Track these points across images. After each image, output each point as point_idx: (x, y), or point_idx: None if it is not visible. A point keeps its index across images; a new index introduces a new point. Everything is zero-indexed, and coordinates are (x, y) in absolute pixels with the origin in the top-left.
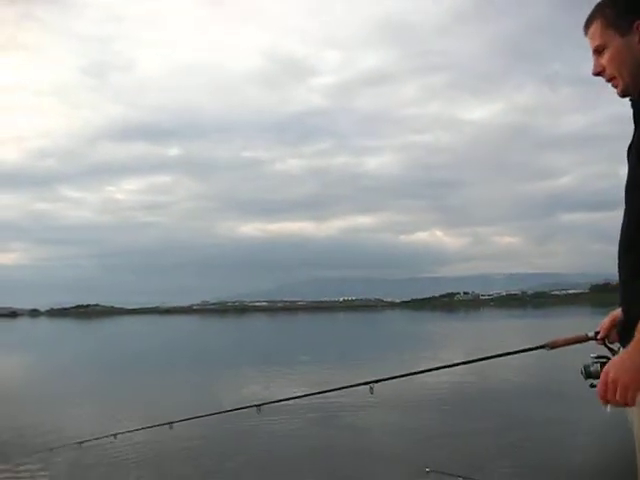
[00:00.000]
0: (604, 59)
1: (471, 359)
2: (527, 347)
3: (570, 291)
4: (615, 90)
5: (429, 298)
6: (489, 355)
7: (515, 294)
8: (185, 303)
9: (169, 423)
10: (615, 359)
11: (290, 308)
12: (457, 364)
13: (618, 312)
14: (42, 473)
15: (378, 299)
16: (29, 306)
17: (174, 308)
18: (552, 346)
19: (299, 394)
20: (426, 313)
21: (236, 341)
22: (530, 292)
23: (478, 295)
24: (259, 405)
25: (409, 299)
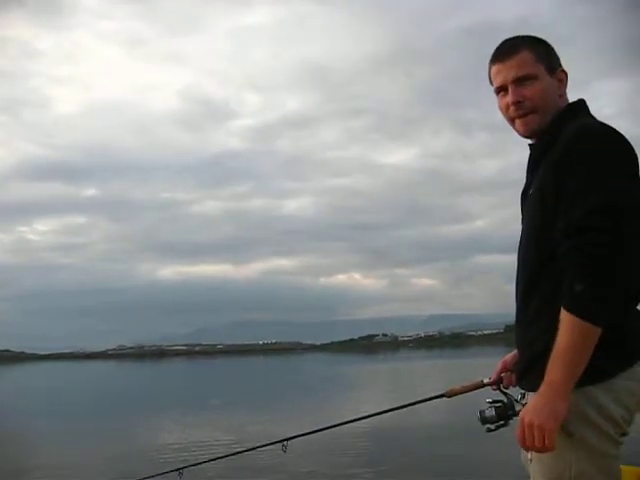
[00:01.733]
0: (529, 90)
1: (376, 412)
2: (427, 397)
3: (486, 331)
4: (517, 130)
5: (349, 340)
6: (392, 407)
7: (433, 335)
8: (100, 347)
9: None
10: (529, 404)
11: (209, 352)
12: (362, 418)
13: (509, 357)
14: None
15: (297, 342)
16: None
17: (89, 353)
18: (450, 395)
19: (214, 456)
20: (346, 355)
21: (148, 388)
22: (448, 333)
23: (397, 337)
24: (180, 469)
25: (329, 342)
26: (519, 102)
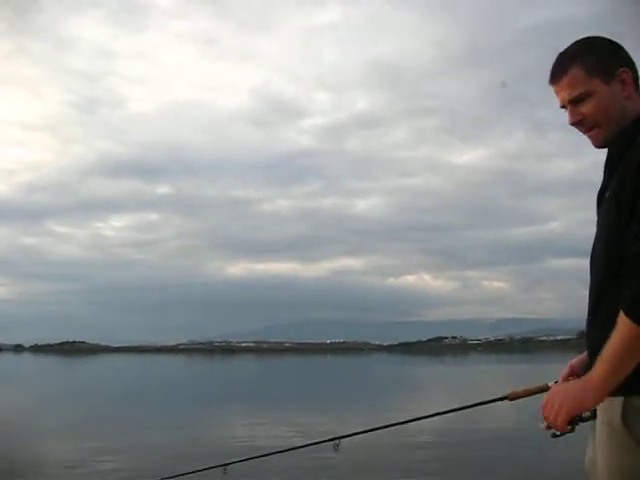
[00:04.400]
0: (586, 107)
1: (435, 412)
2: (488, 399)
3: (558, 337)
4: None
5: (416, 342)
6: (453, 408)
7: (503, 339)
8: (171, 342)
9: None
10: (565, 383)
11: (277, 350)
12: (421, 418)
13: (575, 361)
14: None
15: (365, 342)
16: (13, 341)
17: (160, 347)
18: (512, 397)
19: (264, 452)
20: (413, 357)
21: (216, 383)
22: (518, 337)
23: (466, 340)
24: (226, 465)
25: (396, 342)
26: (579, 121)
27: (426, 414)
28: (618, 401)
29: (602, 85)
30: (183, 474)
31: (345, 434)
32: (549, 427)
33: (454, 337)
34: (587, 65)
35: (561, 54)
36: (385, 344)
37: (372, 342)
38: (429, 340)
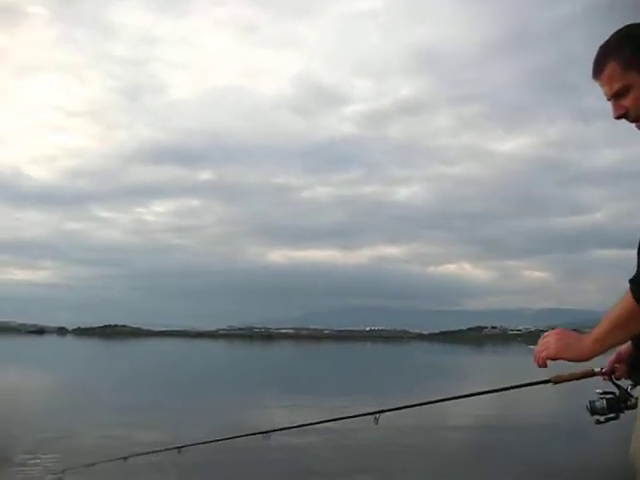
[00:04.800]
0: (628, 100)
1: (476, 392)
2: (532, 381)
3: None
4: None
5: (456, 331)
6: (494, 388)
7: (544, 330)
8: (211, 327)
9: (177, 447)
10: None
11: (316, 336)
12: (461, 397)
13: (624, 348)
14: None
15: (405, 330)
16: (56, 324)
17: (200, 332)
18: (557, 381)
19: (306, 421)
20: (453, 346)
21: (263, 368)
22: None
23: (506, 330)
24: (267, 432)
25: (436, 331)
26: (623, 115)
27: (466, 393)
28: None
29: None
30: (227, 438)
31: (386, 408)
32: (594, 412)
33: (494, 327)
34: (622, 59)
35: (600, 48)
36: (425, 333)
37: (411, 330)
38: (469, 329)
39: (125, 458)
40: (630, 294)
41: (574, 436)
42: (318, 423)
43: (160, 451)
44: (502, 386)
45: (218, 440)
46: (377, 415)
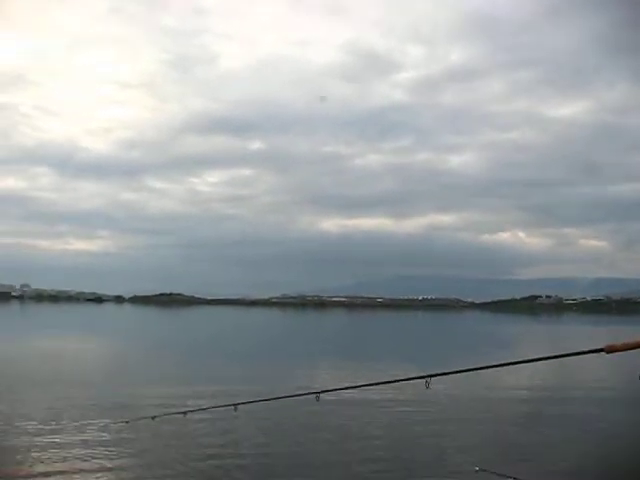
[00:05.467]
0: None
1: (527, 359)
2: (584, 350)
3: None
4: None
5: (510, 300)
6: (545, 356)
7: (600, 300)
8: (265, 296)
9: (233, 405)
10: None
11: (369, 305)
12: (511, 363)
13: None
14: (115, 443)
15: (457, 299)
16: (114, 292)
17: (254, 300)
18: (609, 350)
19: (356, 384)
20: (507, 315)
21: (315, 335)
22: (616, 298)
23: (561, 299)
24: (318, 392)
25: (489, 300)
26: None
27: (514, 360)
28: None
29: None
30: (280, 397)
31: (435, 373)
32: None
33: (549, 296)
34: None
35: None
36: (478, 302)
37: (464, 299)
38: (523, 299)
39: (184, 413)
40: None
41: (627, 405)
42: (367, 385)
43: (217, 407)
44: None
45: (269, 399)
46: (428, 380)
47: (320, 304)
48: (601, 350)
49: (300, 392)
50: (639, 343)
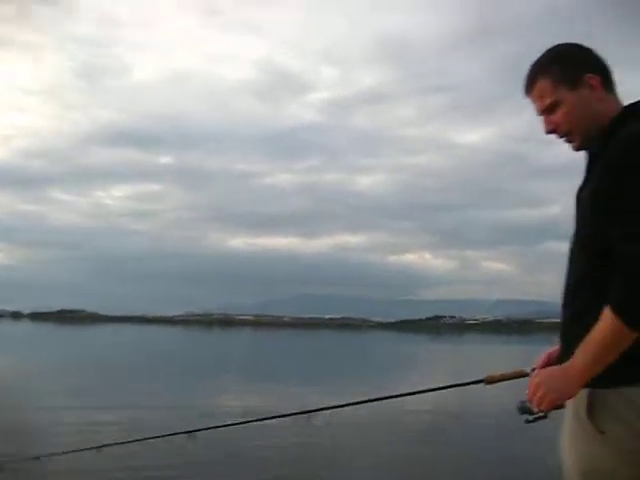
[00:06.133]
0: (557, 116)
1: (409, 391)
2: (465, 382)
3: (556, 319)
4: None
5: (415, 320)
6: (428, 388)
7: (501, 320)
8: (169, 313)
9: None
10: (548, 369)
11: (276, 323)
12: (394, 396)
13: (553, 350)
14: None
15: (364, 319)
16: (11, 307)
17: (158, 317)
18: (489, 381)
19: (234, 421)
20: (412, 335)
21: (216, 354)
22: (516, 318)
23: (464, 320)
24: (191, 432)
25: (395, 320)
26: (553, 130)
27: (404, 392)
28: (584, 392)
29: (569, 93)
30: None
31: (316, 408)
32: (524, 412)
33: (452, 316)
34: (553, 75)
35: (531, 66)
36: (384, 321)
37: (371, 319)
38: (428, 319)
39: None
40: (610, 318)
41: (509, 434)
42: (242, 423)
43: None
44: (440, 385)
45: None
46: (309, 414)
47: (226, 322)
48: (481, 381)
49: (170, 432)
50: (517, 374)
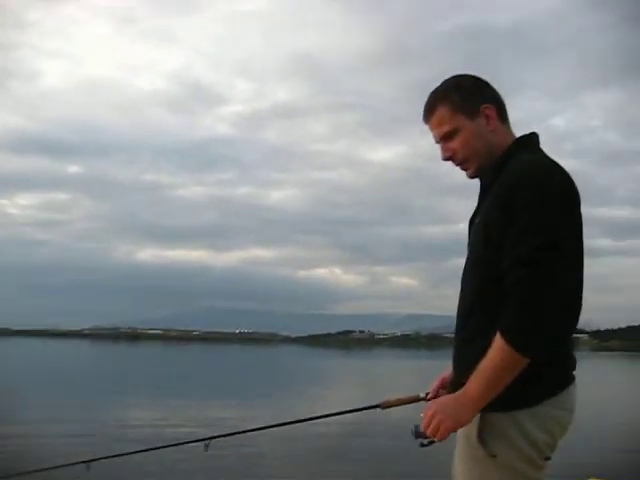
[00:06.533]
0: (455, 143)
1: (308, 417)
2: (361, 407)
3: None
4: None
5: (325, 335)
6: (326, 413)
7: (409, 335)
8: (76, 326)
9: None
10: (440, 398)
11: (185, 338)
12: (292, 422)
13: (447, 374)
14: None
15: (274, 333)
16: None
17: (64, 331)
18: (385, 406)
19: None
20: (321, 350)
21: (118, 369)
22: (424, 333)
23: (373, 334)
24: (88, 461)
25: (305, 334)
26: (450, 157)
27: (306, 417)
28: (476, 416)
29: (467, 121)
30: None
31: (215, 435)
32: (418, 436)
33: (362, 331)
34: (452, 103)
35: (430, 94)
36: (293, 336)
37: (281, 333)
38: (338, 333)
39: None
40: (502, 343)
41: (403, 457)
42: (135, 453)
43: None
44: (337, 410)
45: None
46: (207, 442)
47: (134, 336)
48: (377, 406)
49: (67, 462)
50: (412, 398)
